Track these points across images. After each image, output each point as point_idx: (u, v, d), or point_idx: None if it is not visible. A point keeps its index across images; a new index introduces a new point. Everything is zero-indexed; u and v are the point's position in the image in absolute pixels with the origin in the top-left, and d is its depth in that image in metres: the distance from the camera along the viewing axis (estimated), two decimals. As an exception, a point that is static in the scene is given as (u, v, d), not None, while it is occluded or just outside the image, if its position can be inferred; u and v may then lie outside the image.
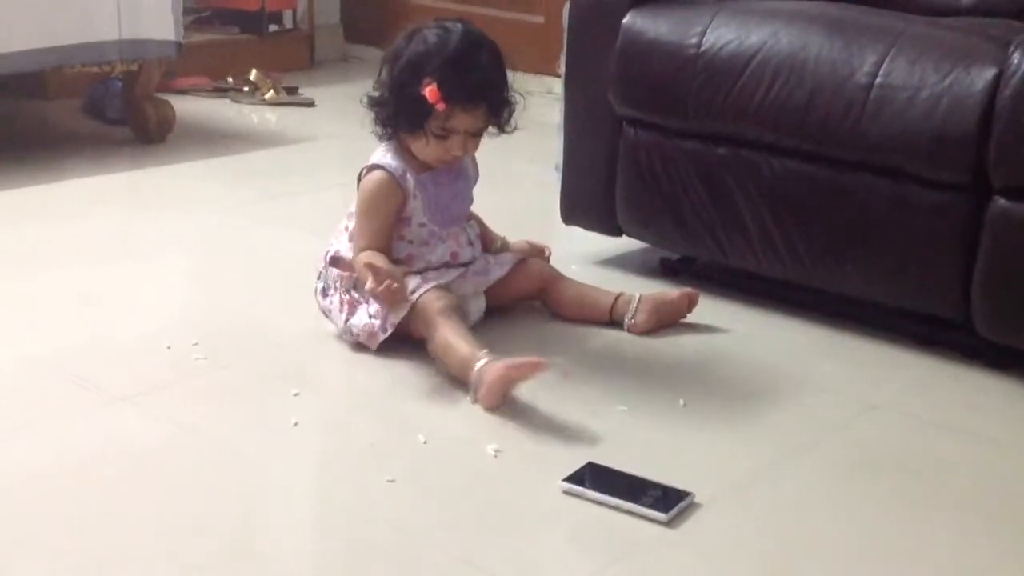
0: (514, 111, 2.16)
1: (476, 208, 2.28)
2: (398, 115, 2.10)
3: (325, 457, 1.85)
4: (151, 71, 3.40)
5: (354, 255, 2.10)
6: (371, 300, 2.08)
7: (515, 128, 2.17)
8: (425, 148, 2.11)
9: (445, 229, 2.16)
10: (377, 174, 2.12)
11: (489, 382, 1.89)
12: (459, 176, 2.20)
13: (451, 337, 1.99)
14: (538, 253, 2.35)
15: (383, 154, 2.14)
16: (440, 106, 2.04)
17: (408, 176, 2.12)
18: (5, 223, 2.75)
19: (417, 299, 2.05)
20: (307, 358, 2.03)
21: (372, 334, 2.08)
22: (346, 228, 2.17)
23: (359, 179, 2.15)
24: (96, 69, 3.30)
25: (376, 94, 2.12)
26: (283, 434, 1.85)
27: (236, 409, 1.91)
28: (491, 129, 2.15)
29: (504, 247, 2.32)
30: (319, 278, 2.18)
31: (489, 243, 2.30)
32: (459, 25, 2.10)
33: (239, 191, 3.08)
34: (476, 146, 2.15)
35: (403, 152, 2.14)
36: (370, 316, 2.08)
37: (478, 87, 2.06)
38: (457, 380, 1.97)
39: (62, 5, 3.09)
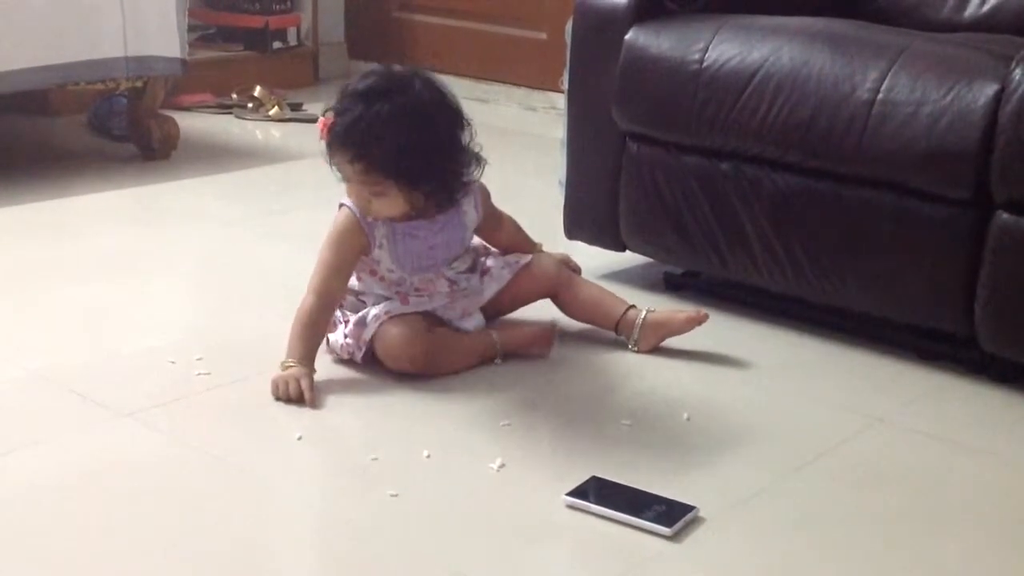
0: (451, 191, 2.04)
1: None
2: None
3: (328, 471, 1.86)
4: (156, 88, 3.40)
5: (311, 284, 2.06)
6: (348, 322, 2.09)
7: (450, 206, 2.07)
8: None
9: (416, 275, 2.11)
10: (344, 214, 2.08)
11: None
12: (445, 227, 2.12)
13: (448, 339, 2.07)
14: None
15: None
16: (323, 138, 2.02)
17: (378, 223, 2.07)
18: (9, 240, 2.75)
19: (371, 336, 2.05)
20: (311, 373, 2.03)
21: (351, 353, 2.09)
22: None
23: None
24: (101, 86, 3.30)
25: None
26: (287, 448, 1.85)
27: (239, 424, 1.91)
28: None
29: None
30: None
31: (529, 250, 2.28)
32: (395, 74, 2.04)
33: (243, 207, 3.09)
34: (389, 207, 2.02)
35: None
36: (345, 336, 2.09)
37: (349, 131, 1.98)
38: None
39: (67, 22, 3.09)
